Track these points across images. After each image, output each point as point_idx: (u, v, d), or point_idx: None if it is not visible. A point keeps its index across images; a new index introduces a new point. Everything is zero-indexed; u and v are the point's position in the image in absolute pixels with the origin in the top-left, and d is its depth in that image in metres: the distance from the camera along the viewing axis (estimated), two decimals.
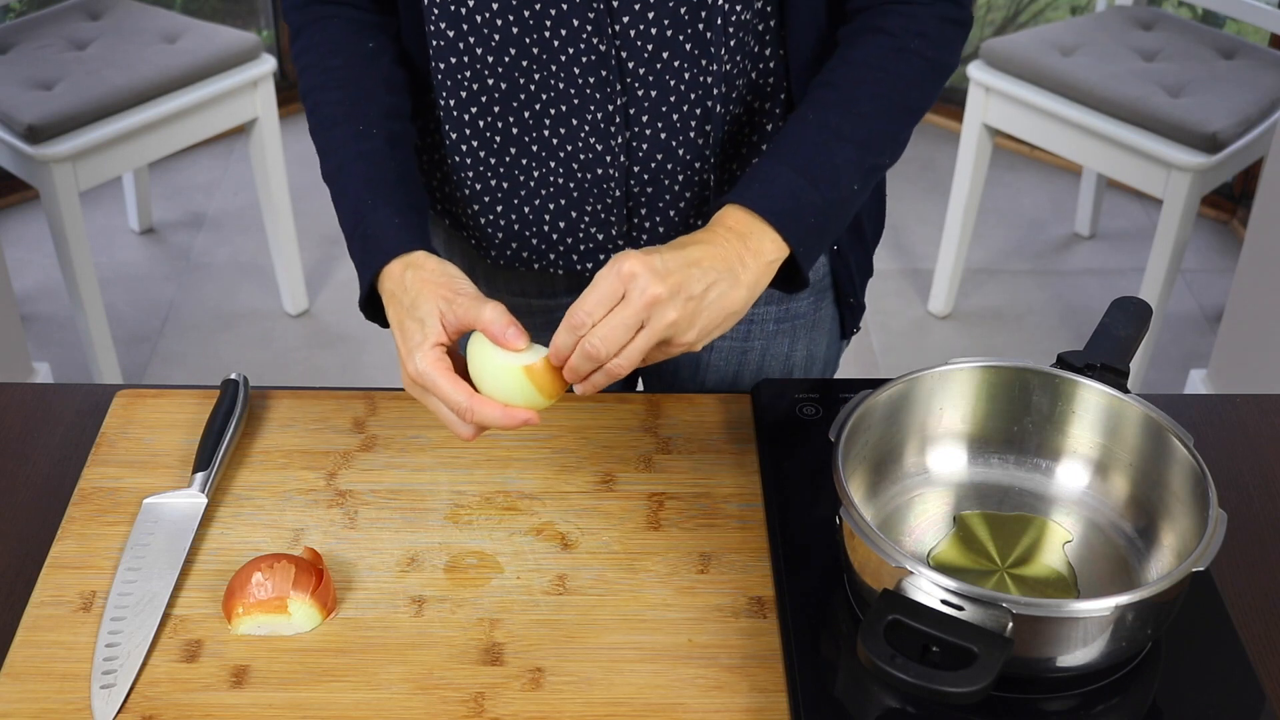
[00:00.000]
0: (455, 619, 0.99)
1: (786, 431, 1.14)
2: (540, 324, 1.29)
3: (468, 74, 1.11)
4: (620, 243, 1.19)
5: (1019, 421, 1.06)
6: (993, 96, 2.66)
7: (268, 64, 2.64)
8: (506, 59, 1.09)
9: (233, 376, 1.17)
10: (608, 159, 1.12)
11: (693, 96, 1.09)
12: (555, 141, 1.13)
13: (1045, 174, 3.43)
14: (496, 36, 1.08)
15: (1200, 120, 2.42)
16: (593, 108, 1.09)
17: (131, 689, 0.93)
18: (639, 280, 0.94)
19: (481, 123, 1.14)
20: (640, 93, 1.09)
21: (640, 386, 1.42)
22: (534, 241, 1.20)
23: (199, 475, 1.09)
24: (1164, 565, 0.98)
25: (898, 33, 1.08)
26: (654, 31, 1.06)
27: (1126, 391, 1.02)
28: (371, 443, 1.15)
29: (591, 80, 1.08)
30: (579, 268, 1.21)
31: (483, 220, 1.21)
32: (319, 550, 1.03)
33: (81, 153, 2.41)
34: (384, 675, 0.95)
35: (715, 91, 1.09)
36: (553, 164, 1.14)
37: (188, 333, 2.88)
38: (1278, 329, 2.35)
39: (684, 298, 0.96)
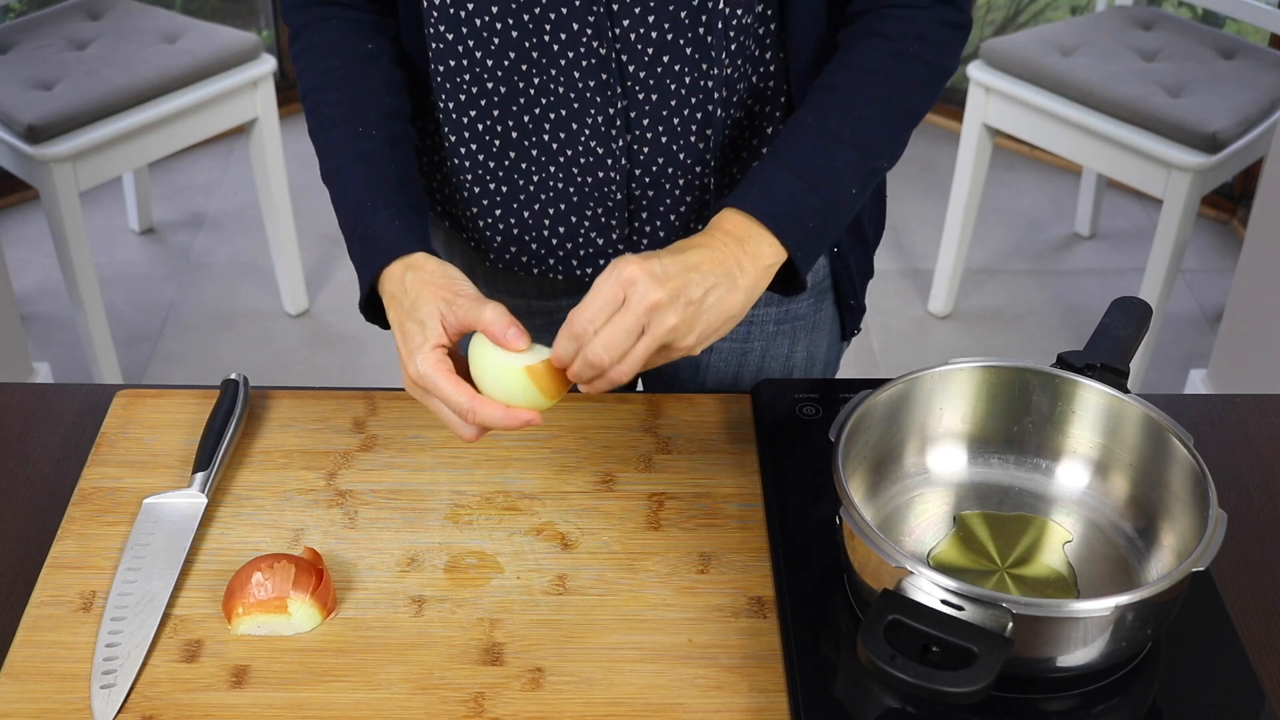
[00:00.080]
0: (455, 619, 0.99)
1: (786, 431, 1.14)
2: (540, 325, 1.29)
3: (467, 77, 1.11)
4: (620, 247, 1.19)
5: (1019, 421, 1.06)
6: (993, 96, 2.66)
7: (268, 64, 2.64)
8: (506, 62, 1.09)
9: (233, 376, 1.17)
10: (608, 162, 1.12)
11: (693, 100, 1.09)
12: (555, 146, 1.13)
13: (1045, 174, 3.43)
14: (496, 40, 1.08)
15: (1200, 120, 2.42)
16: (593, 111, 1.09)
17: (131, 689, 0.93)
18: (638, 286, 0.94)
19: (481, 126, 1.14)
20: (641, 96, 1.09)
21: (640, 387, 1.42)
22: (533, 246, 1.20)
23: (199, 475, 1.09)
24: (1164, 565, 0.98)
25: (897, 36, 1.08)
26: (654, 35, 1.06)
27: (1126, 391, 1.02)
28: (371, 443, 1.15)
29: (592, 84, 1.08)
30: (578, 273, 1.21)
31: (481, 223, 1.21)
32: (319, 550, 1.03)
33: (81, 153, 2.41)
34: (384, 675, 0.95)
35: (716, 95, 1.09)
36: (552, 168, 1.14)
37: (188, 333, 2.88)
38: (1278, 329, 2.35)
39: (683, 302, 0.96)
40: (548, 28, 1.06)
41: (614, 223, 1.16)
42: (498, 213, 1.19)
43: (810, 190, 1.03)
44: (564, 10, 1.05)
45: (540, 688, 0.94)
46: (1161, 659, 0.95)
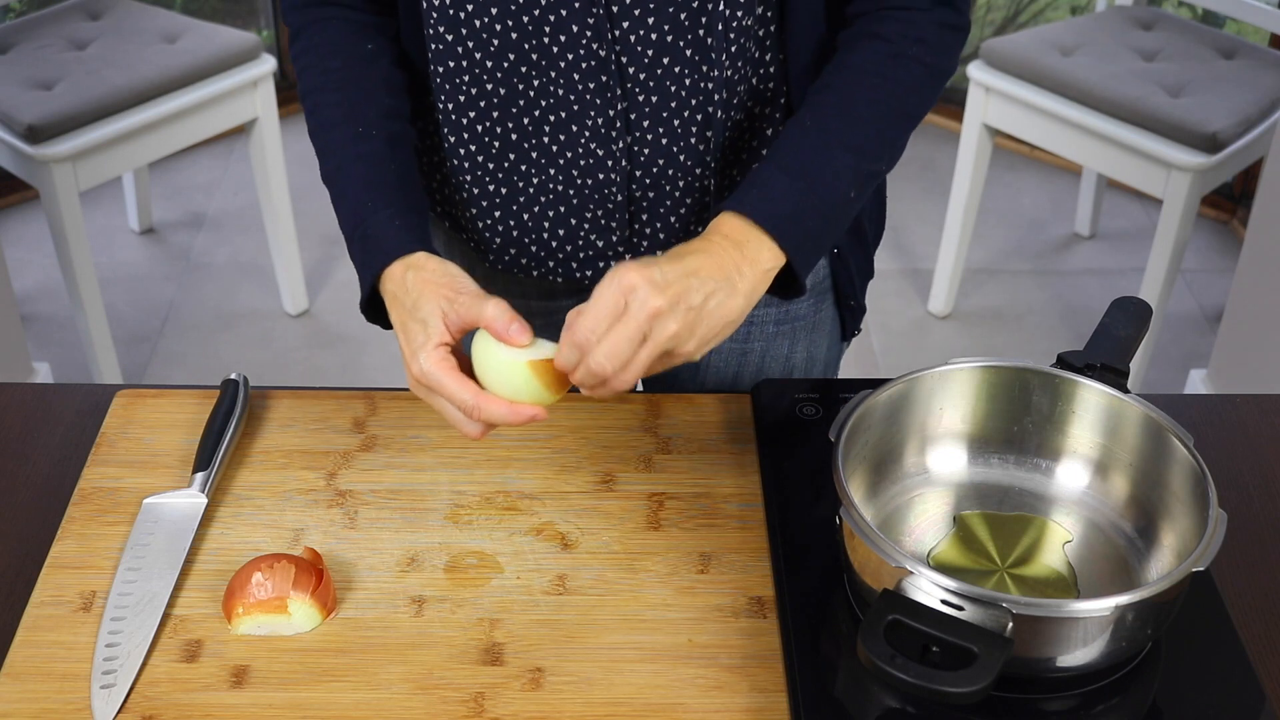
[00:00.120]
0: (455, 619, 0.99)
1: (786, 431, 1.14)
2: (541, 325, 1.28)
3: (466, 78, 1.11)
4: (620, 249, 1.19)
5: (1019, 421, 1.06)
6: (993, 96, 2.66)
7: (268, 64, 2.64)
8: (505, 64, 1.09)
9: (233, 376, 1.17)
10: (609, 164, 1.12)
11: (694, 102, 1.09)
12: (555, 148, 1.12)
13: (1045, 174, 3.43)
14: (495, 42, 1.08)
15: (1200, 120, 2.42)
16: (593, 113, 1.09)
17: (131, 689, 0.93)
18: (639, 293, 0.94)
19: (480, 127, 1.14)
20: (641, 98, 1.08)
21: (640, 387, 1.42)
22: (533, 249, 1.20)
23: (199, 475, 1.09)
24: (1164, 565, 0.98)
25: (896, 38, 1.07)
26: (654, 37, 1.06)
27: (1126, 391, 1.02)
28: (371, 443, 1.15)
29: (591, 86, 1.08)
30: (578, 275, 1.21)
31: (481, 225, 1.21)
32: (319, 550, 1.03)
33: (81, 153, 2.41)
34: (384, 675, 0.95)
35: (716, 97, 1.09)
36: (552, 170, 1.14)
37: (188, 333, 2.88)
38: (1278, 329, 2.35)
39: (684, 308, 0.96)
40: (547, 30, 1.06)
41: (614, 225, 1.16)
42: (497, 214, 1.19)
43: (809, 193, 1.03)
44: (563, 12, 1.04)
45: (540, 688, 0.94)
46: (1161, 659, 0.95)
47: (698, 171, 1.13)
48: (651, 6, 1.04)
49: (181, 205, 3.28)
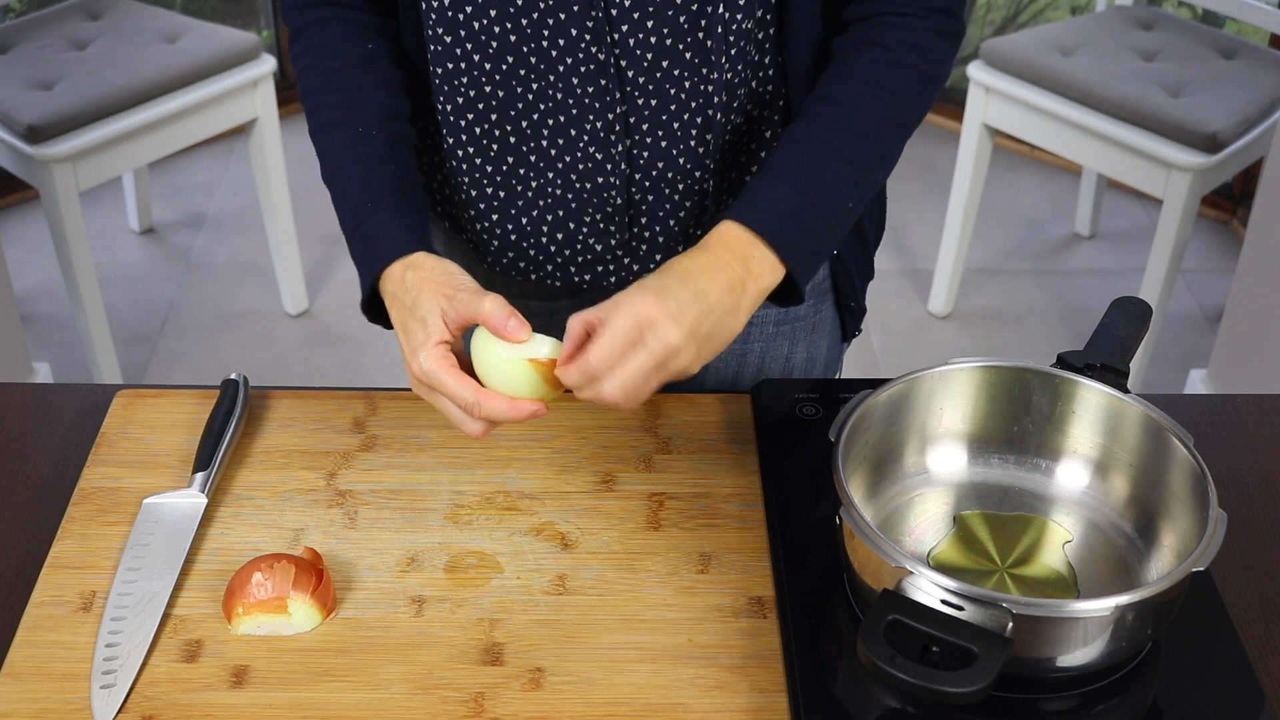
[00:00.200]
0: (455, 619, 0.99)
1: (786, 431, 1.14)
2: (540, 325, 1.28)
3: (465, 80, 1.11)
4: (619, 253, 1.18)
5: (1019, 421, 1.06)
6: (993, 96, 2.66)
7: (268, 64, 2.64)
8: (504, 67, 1.09)
9: (233, 376, 1.17)
10: (608, 167, 1.12)
11: (693, 105, 1.09)
12: (554, 152, 1.12)
13: (1045, 174, 3.43)
14: (494, 44, 1.08)
15: (1200, 120, 2.42)
16: (592, 117, 1.09)
17: (131, 689, 0.93)
18: (658, 329, 0.94)
19: (479, 129, 1.14)
20: (640, 101, 1.08)
21: None
22: (531, 252, 1.20)
23: (199, 475, 1.09)
24: (1164, 565, 0.98)
25: (893, 46, 1.07)
26: (654, 40, 1.05)
27: (1126, 391, 1.02)
28: (371, 443, 1.15)
29: (590, 89, 1.07)
30: (576, 279, 1.21)
31: (479, 226, 1.21)
32: (319, 550, 1.03)
33: (81, 153, 2.41)
34: (384, 675, 0.95)
35: (716, 100, 1.09)
36: (551, 174, 1.14)
37: (188, 333, 2.88)
38: (1278, 329, 2.35)
39: (698, 340, 0.97)
40: (546, 33, 1.06)
41: (613, 228, 1.16)
42: (495, 217, 1.19)
43: (811, 206, 1.04)
44: (562, 16, 1.04)
45: (540, 688, 0.94)
46: (1161, 659, 0.95)
47: (697, 174, 1.13)
48: (651, 10, 1.04)
49: (181, 205, 3.28)
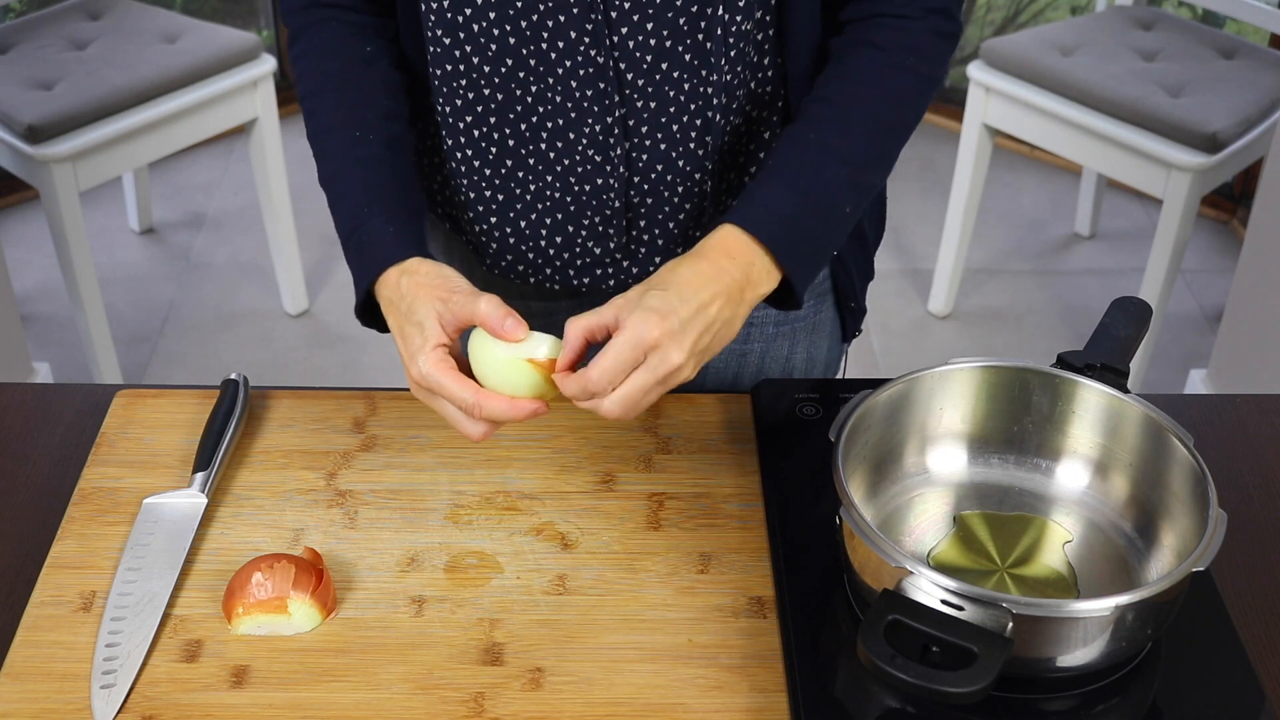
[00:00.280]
0: (455, 619, 0.99)
1: (786, 431, 1.14)
2: (539, 326, 1.28)
3: (464, 82, 1.11)
4: (617, 255, 1.18)
5: (1019, 421, 1.06)
6: (993, 96, 2.66)
7: (268, 64, 2.64)
8: (503, 69, 1.08)
9: (233, 376, 1.17)
10: (607, 169, 1.11)
11: (693, 107, 1.09)
12: (553, 154, 1.12)
13: (1045, 174, 3.43)
14: (493, 46, 1.07)
15: (1200, 120, 2.42)
16: (591, 120, 1.09)
17: (131, 689, 0.93)
18: (661, 352, 0.95)
19: (477, 132, 1.13)
20: (640, 104, 1.08)
21: None
22: (530, 255, 1.20)
23: (199, 475, 1.09)
24: (1164, 565, 0.98)
25: (891, 47, 1.07)
26: (653, 43, 1.05)
27: (1126, 391, 1.02)
28: (371, 443, 1.15)
29: (589, 92, 1.07)
30: (575, 282, 1.21)
31: (478, 229, 1.21)
32: (319, 550, 1.03)
33: (81, 153, 2.41)
34: (384, 675, 0.95)
35: (716, 102, 1.09)
36: (549, 177, 1.14)
37: (188, 333, 2.88)
38: (1278, 329, 2.35)
39: (697, 354, 0.97)
40: (545, 35, 1.05)
41: (611, 231, 1.16)
42: (494, 219, 1.19)
43: (812, 211, 1.04)
44: (561, 18, 1.04)
45: (540, 688, 0.94)
46: (1161, 659, 0.95)
47: (696, 177, 1.13)
48: (650, 13, 1.04)
49: (181, 205, 3.28)
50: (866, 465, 1.03)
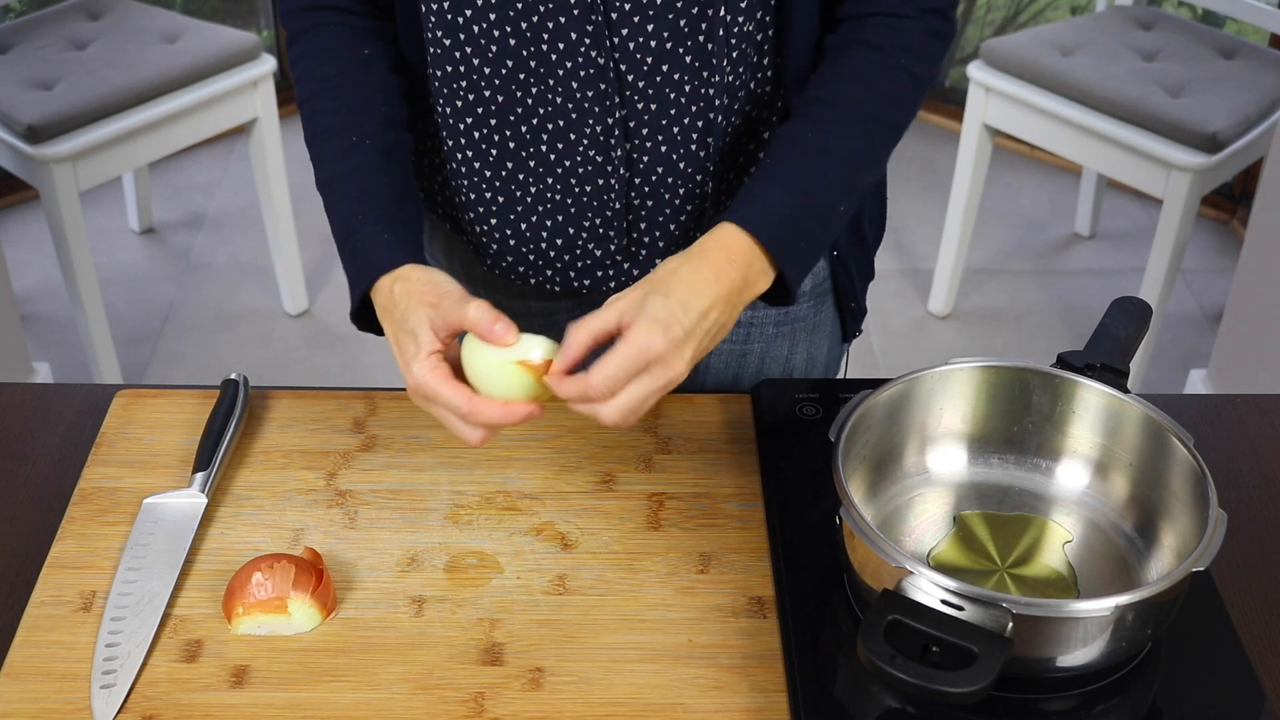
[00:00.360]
0: (455, 619, 0.99)
1: (786, 431, 1.14)
2: (539, 326, 1.29)
3: (464, 84, 1.11)
4: (618, 257, 1.18)
5: (1019, 421, 1.06)
6: (993, 96, 2.66)
7: (268, 64, 2.64)
8: (504, 71, 1.08)
9: (233, 376, 1.17)
10: (608, 170, 1.11)
11: (694, 109, 1.09)
12: (553, 156, 1.12)
13: (1045, 174, 3.43)
14: (494, 48, 1.07)
15: (1200, 120, 2.42)
16: (591, 121, 1.09)
17: (131, 689, 0.93)
18: (665, 362, 0.95)
19: (478, 133, 1.13)
20: (640, 106, 1.08)
21: None
22: (530, 256, 1.19)
23: (199, 475, 1.09)
24: (1164, 565, 0.98)
25: (885, 47, 1.07)
26: (654, 44, 1.05)
27: (1126, 391, 1.02)
28: (371, 443, 1.15)
29: (590, 94, 1.07)
30: (575, 284, 1.21)
31: (478, 230, 1.20)
32: (319, 550, 1.03)
33: (81, 153, 2.41)
34: (384, 675, 0.95)
35: (717, 103, 1.09)
36: (550, 179, 1.14)
37: (188, 333, 2.88)
38: (1278, 329, 2.35)
39: (694, 359, 0.98)
40: (546, 36, 1.05)
41: (612, 233, 1.16)
42: (494, 221, 1.18)
43: (808, 211, 1.04)
44: (562, 19, 1.04)
45: (540, 688, 0.94)
46: (1161, 659, 0.95)
47: (697, 178, 1.13)
48: (651, 14, 1.04)
49: (181, 205, 3.28)
50: (866, 465, 1.03)
